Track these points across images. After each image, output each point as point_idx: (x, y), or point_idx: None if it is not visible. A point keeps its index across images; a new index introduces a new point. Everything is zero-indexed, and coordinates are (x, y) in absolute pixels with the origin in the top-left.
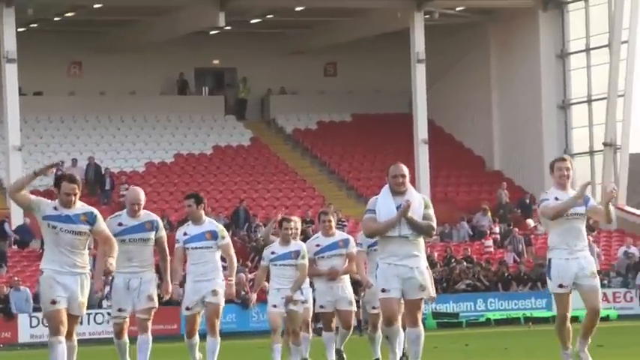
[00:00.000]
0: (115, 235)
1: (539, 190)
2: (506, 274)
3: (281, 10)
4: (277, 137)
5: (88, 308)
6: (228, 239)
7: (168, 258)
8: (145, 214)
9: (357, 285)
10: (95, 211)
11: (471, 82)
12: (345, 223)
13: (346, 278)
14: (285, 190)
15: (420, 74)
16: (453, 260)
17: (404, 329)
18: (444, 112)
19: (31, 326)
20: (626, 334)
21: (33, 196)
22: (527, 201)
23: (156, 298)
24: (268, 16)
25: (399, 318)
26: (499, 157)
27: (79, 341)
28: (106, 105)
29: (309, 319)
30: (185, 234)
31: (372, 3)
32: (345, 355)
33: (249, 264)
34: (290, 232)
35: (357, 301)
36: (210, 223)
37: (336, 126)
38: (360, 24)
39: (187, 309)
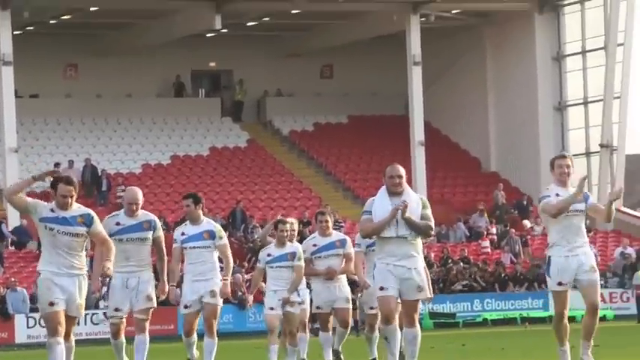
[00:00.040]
0: (113, 235)
1: (535, 192)
2: (502, 275)
3: (277, 13)
4: (274, 139)
5: (85, 309)
6: (225, 239)
7: (166, 258)
8: (143, 214)
9: (354, 285)
10: (92, 212)
11: (467, 85)
12: (342, 224)
13: (343, 278)
14: (282, 191)
15: (416, 76)
16: (449, 261)
17: (401, 329)
18: (440, 114)
19: (28, 327)
20: (622, 335)
21: (29, 199)
22: (525, 202)
23: (154, 298)
24: (264, 19)
25: (397, 317)
26: (495, 158)
27: (76, 342)
28: (103, 107)
29: (306, 320)
30: (183, 234)
31: (368, 6)
32: (342, 356)
33: (246, 265)
34: (285, 234)
35: (354, 302)
36: (208, 223)
37: (332, 128)
38: (356, 26)
39: (186, 307)
